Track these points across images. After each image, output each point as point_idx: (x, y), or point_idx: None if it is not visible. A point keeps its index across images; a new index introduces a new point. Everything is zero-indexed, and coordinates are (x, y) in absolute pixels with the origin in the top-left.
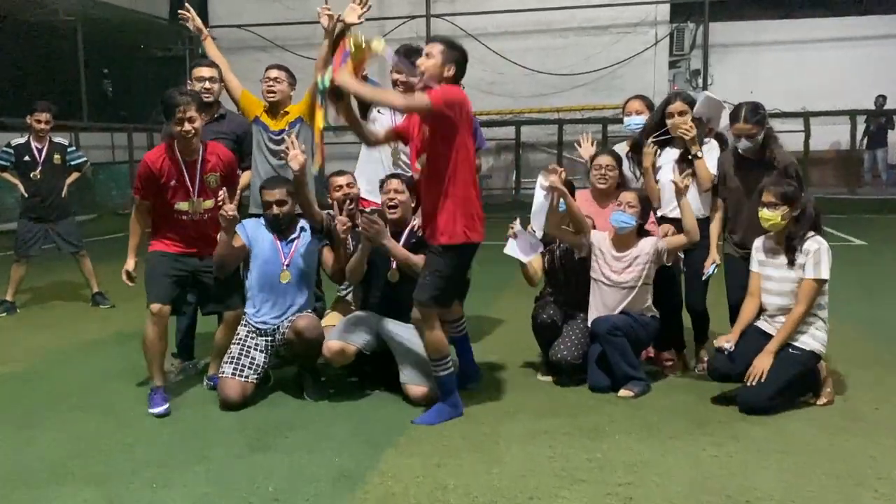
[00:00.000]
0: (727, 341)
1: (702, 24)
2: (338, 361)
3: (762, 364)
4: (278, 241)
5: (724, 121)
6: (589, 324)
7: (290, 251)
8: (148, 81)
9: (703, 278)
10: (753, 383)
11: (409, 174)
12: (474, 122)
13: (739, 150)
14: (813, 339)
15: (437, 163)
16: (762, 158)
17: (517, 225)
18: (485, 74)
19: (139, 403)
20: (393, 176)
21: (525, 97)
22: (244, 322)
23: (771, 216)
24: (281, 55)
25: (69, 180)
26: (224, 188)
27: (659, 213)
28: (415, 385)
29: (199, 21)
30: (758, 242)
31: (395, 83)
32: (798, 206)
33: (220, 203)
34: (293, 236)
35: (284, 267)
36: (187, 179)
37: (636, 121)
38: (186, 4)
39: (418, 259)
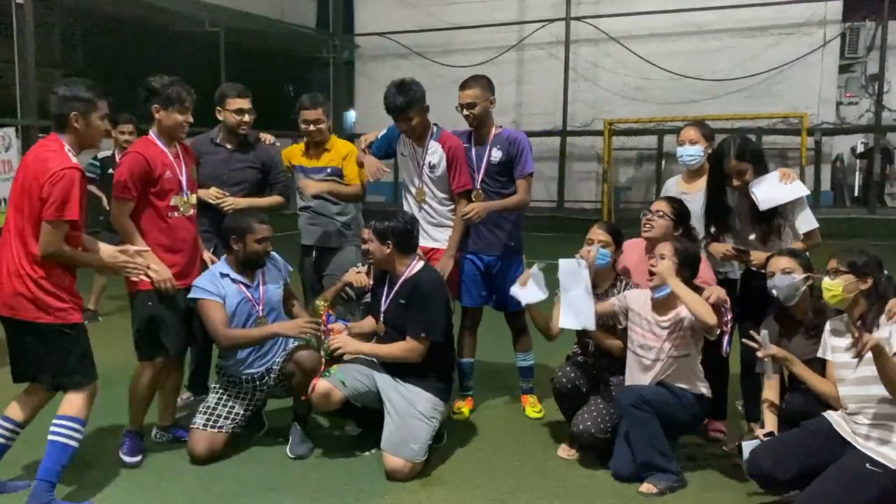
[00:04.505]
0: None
1: (880, 23)
2: (322, 405)
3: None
4: (246, 290)
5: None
6: None
7: (261, 295)
8: (289, 89)
9: None
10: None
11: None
12: (510, 150)
13: (776, 293)
14: None
15: None
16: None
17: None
18: (628, 80)
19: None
20: (367, 224)
21: (672, 104)
22: (227, 375)
23: (831, 286)
24: (421, 62)
25: None
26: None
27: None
28: (391, 455)
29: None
30: (829, 325)
31: None
32: (867, 281)
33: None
34: (257, 276)
35: (261, 315)
36: (178, 171)
37: (689, 152)
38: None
39: (384, 350)
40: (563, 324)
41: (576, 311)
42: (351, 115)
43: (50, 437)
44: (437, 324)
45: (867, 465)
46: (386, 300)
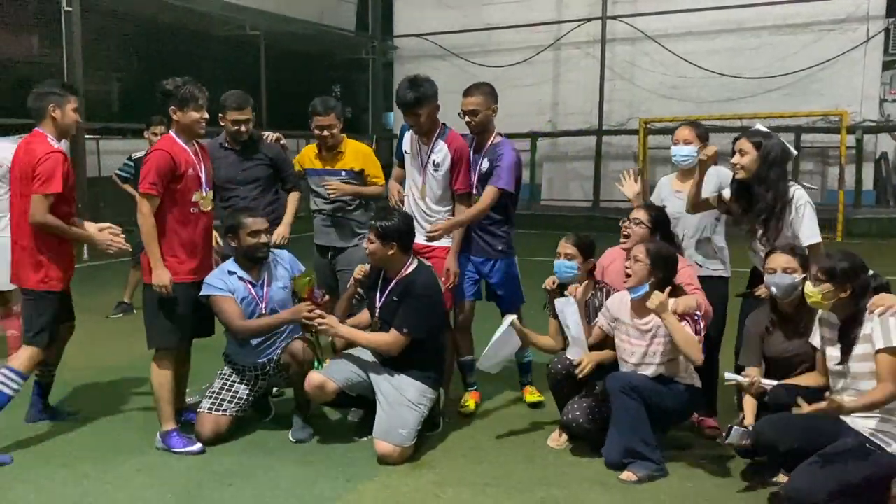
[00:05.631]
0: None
1: None
2: (317, 397)
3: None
4: (252, 288)
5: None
6: None
7: (265, 294)
8: (335, 91)
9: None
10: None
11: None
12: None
13: (774, 293)
14: None
15: None
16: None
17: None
18: (665, 79)
19: (118, 438)
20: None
21: (709, 102)
22: (232, 363)
23: (812, 293)
24: (458, 63)
25: None
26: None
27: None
28: (382, 441)
29: None
30: (820, 313)
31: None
32: (846, 290)
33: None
34: (263, 275)
35: (264, 313)
36: (199, 168)
37: (682, 151)
38: None
39: (364, 338)
40: (570, 354)
41: (578, 343)
42: (391, 116)
43: None
44: (422, 322)
45: (866, 444)
46: (381, 297)
